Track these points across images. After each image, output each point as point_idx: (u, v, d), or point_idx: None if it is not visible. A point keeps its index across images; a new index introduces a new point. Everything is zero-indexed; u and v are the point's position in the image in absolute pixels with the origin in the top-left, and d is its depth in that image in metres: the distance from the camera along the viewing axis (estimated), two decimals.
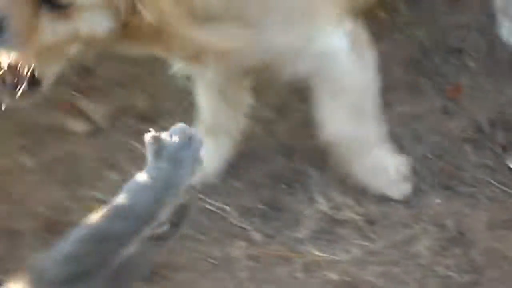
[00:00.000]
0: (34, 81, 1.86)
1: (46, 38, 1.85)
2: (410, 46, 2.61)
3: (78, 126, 2.38)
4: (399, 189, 2.24)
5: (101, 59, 2.37)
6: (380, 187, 2.24)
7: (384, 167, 2.25)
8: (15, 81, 1.83)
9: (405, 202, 2.22)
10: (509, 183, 2.22)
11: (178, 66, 2.17)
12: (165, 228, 1.59)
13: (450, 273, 2.00)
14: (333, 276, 2.01)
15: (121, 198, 1.47)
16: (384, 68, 2.32)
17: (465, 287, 2.00)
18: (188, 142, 1.54)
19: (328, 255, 2.06)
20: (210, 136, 2.31)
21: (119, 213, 1.48)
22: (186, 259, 2.08)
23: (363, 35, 2.19)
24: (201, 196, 2.20)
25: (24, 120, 2.39)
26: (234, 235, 2.14)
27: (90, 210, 1.55)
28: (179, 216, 1.63)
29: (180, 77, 2.28)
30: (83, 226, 1.44)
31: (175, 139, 1.53)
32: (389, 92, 2.36)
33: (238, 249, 2.10)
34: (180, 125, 1.54)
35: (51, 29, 1.85)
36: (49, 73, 1.94)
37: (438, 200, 2.19)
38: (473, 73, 2.55)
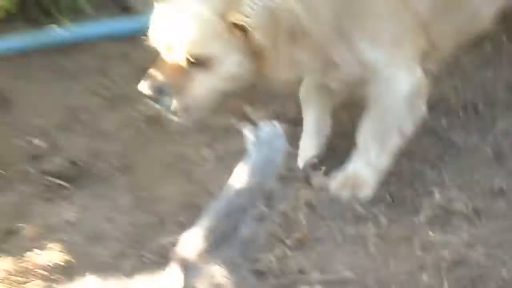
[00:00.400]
0: None
1: (199, 91, 2.09)
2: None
3: (240, 126, 2.42)
4: None
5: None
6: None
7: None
8: None
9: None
10: None
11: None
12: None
13: None
14: (446, 254, 2.03)
15: (235, 180, 1.69)
16: (490, 89, 2.47)
17: None
18: (280, 133, 1.71)
19: (441, 237, 2.09)
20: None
21: (238, 191, 1.67)
22: (325, 234, 2.14)
23: (425, 88, 2.21)
24: None
25: (205, 121, 2.44)
26: (365, 218, 2.18)
27: None
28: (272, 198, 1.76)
29: None
30: (215, 203, 1.70)
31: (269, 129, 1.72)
32: (493, 108, 2.44)
33: (368, 229, 2.13)
34: (273, 122, 1.73)
35: (200, 83, 2.08)
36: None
37: None
38: None
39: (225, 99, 2.20)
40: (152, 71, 2.08)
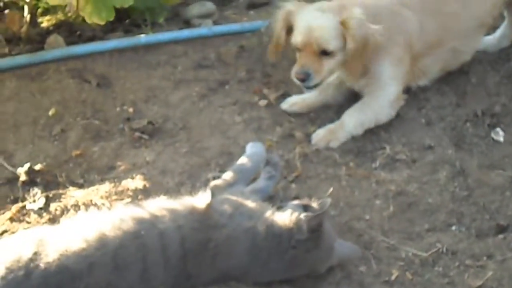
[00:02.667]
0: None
1: (326, 70, 2.13)
2: None
3: (261, 102, 2.42)
4: None
5: (276, 69, 2.56)
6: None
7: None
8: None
9: None
10: None
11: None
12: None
13: None
14: (392, 187, 2.01)
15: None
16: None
17: None
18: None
19: (389, 176, 2.06)
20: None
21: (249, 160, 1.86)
22: (313, 173, 2.10)
23: (401, 103, 2.24)
24: None
25: (236, 96, 2.47)
26: (340, 163, 2.13)
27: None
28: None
29: None
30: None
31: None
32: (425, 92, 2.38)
33: (341, 170, 2.10)
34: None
35: (327, 65, 2.11)
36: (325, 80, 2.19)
37: None
38: None
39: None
40: (300, 62, 2.13)
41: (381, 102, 2.23)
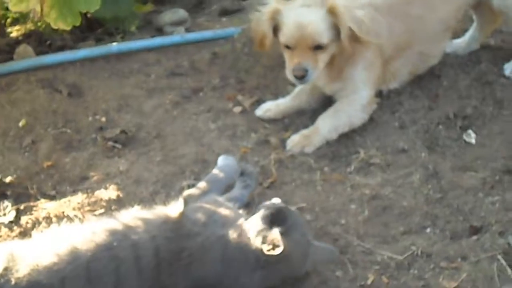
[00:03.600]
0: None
1: (321, 64, 2.12)
2: None
3: (236, 109, 2.42)
4: None
5: (250, 75, 2.56)
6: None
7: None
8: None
9: None
10: None
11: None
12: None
13: None
14: (367, 191, 1.99)
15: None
16: None
17: None
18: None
19: (364, 180, 2.05)
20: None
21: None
22: (289, 179, 2.09)
23: (374, 106, 2.26)
24: None
25: (210, 103, 2.45)
26: (315, 168, 2.12)
27: None
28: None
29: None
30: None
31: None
32: (399, 95, 2.39)
33: (316, 175, 2.10)
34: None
35: (321, 60, 2.11)
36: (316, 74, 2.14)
37: None
38: None
39: None
40: (296, 59, 2.10)
41: (354, 106, 2.23)
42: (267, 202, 1.72)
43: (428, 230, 1.89)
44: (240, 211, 1.74)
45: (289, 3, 2.15)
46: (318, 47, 2.10)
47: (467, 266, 1.73)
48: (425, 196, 1.99)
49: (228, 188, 1.90)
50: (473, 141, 2.19)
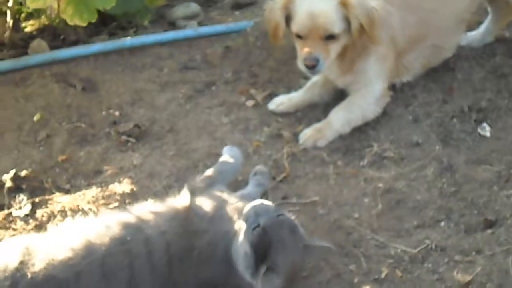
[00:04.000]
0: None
1: (332, 54, 2.12)
2: None
3: (248, 102, 2.41)
4: None
5: (262, 69, 2.55)
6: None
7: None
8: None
9: None
10: None
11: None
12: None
13: None
14: (380, 185, 2.00)
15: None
16: None
17: None
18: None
19: (378, 174, 2.06)
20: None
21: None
22: (302, 173, 2.10)
23: (387, 99, 2.25)
24: None
25: (223, 97, 2.46)
26: (328, 162, 2.12)
27: None
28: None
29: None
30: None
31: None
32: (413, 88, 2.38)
33: (329, 169, 2.10)
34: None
35: (333, 50, 2.11)
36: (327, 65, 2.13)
37: None
38: None
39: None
40: (308, 48, 2.09)
41: (367, 100, 2.23)
42: (246, 213, 1.59)
43: (442, 223, 1.88)
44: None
45: None
46: (330, 37, 2.09)
47: (481, 259, 1.73)
48: (439, 190, 1.98)
49: (234, 176, 1.94)
50: (488, 134, 2.18)
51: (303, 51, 2.10)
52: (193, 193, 1.71)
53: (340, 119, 2.21)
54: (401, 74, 2.33)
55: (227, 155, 1.95)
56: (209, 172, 1.85)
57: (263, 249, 1.50)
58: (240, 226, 1.57)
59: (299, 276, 1.68)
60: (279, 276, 1.53)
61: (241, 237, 1.55)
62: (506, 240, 1.76)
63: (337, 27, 2.09)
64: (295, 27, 2.11)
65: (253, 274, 1.51)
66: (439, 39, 2.34)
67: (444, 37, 2.36)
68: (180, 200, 1.73)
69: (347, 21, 2.10)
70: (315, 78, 2.34)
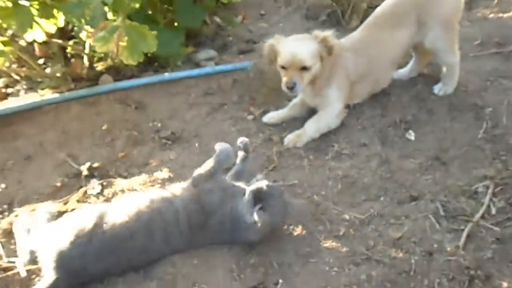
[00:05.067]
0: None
1: (306, 81, 2.07)
2: None
3: (249, 117, 2.35)
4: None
5: (259, 94, 2.49)
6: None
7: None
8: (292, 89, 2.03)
9: None
10: None
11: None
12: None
13: None
14: (340, 172, 1.95)
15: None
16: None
17: None
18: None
19: (338, 165, 2.00)
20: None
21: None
22: (286, 164, 2.05)
23: (344, 115, 2.21)
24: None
25: (232, 113, 2.39)
26: (303, 157, 2.08)
27: None
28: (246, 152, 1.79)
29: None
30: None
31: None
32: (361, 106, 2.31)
33: (305, 162, 2.06)
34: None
35: (306, 77, 2.07)
36: (302, 88, 2.06)
37: None
38: None
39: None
40: (288, 76, 2.04)
41: (331, 115, 2.21)
42: (255, 181, 1.67)
43: (382, 198, 1.88)
44: (242, 184, 1.67)
45: (284, 38, 2.14)
46: (304, 68, 2.08)
47: (408, 222, 1.73)
48: (379, 175, 1.97)
49: (228, 164, 1.83)
50: (412, 138, 2.17)
51: (285, 77, 2.09)
52: (196, 182, 1.64)
53: (312, 128, 2.20)
54: (353, 98, 2.31)
55: (220, 149, 1.78)
56: (210, 163, 1.70)
57: (259, 199, 1.54)
58: (248, 190, 1.58)
59: (281, 220, 1.65)
60: (266, 215, 1.54)
61: (247, 195, 1.57)
62: (424, 209, 1.77)
63: (309, 62, 2.08)
64: (280, 61, 2.10)
65: (251, 213, 1.52)
66: (379, 75, 2.33)
67: (383, 73, 2.35)
68: (187, 184, 1.68)
69: (317, 57, 2.08)
70: (295, 100, 2.32)
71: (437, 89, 2.33)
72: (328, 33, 2.10)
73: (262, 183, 1.58)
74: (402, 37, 2.22)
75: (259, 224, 1.53)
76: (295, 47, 2.08)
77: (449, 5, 2.15)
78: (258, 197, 1.55)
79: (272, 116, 2.34)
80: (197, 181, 1.64)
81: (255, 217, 1.51)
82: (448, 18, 2.11)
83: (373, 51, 2.25)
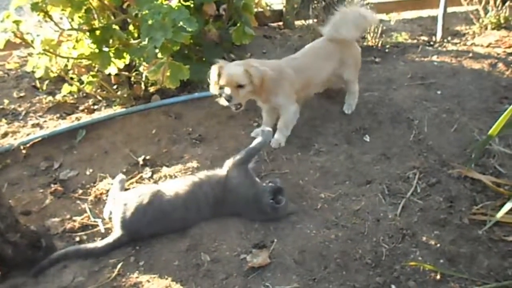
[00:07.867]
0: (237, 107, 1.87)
1: (241, 96, 1.89)
2: None
3: (254, 124, 2.27)
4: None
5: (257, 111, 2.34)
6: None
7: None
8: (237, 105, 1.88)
9: None
10: None
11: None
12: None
13: None
14: (318, 165, 1.93)
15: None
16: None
17: None
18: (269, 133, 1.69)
19: (317, 159, 1.99)
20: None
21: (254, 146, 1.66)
22: (278, 160, 2.03)
23: (298, 112, 2.08)
24: None
25: (242, 121, 2.36)
26: (292, 153, 2.05)
27: None
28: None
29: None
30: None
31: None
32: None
33: (294, 157, 2.04)
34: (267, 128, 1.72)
35: (241, 93, 1.89)
36: (237, 101, 1.88)
37: None
38: None
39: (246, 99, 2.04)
40: (225, 91, 1.96)
41: (290, 115, 2.06)
42: (274, 181, 1.64)
43: (347, 182, 1.86)
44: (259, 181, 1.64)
45: (227, 62, 2.05)
46: (239, 86, 1.88)
47: (364, 199, 1.74)
48: (346, 167, 1.95)
49: (257, 155, 1.77)
50: (368, 140, 2.16)
51: (225, 92, 1.91)
52: (229, 167, 1.62)
53: (283, 129, 2.06)
54: (299, 101, 2.20)
55: (261, 140, 1.68)
56: (241, 154, 1.65)
57: (275, 192, 1.57)
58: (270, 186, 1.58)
59: (284, 210, 1.62)
60: (283, 199, 1.56)
61: (269, 189, 1.57)
62: (375, 189, 1.76)
63: (242, 81, 1.88)
64: (221, 80, 2.02)
65: (268, 201, 1.53)
66: (316, 87, 2.29)
67: (318, 87, 2.31)
68: (222, 171, 1.70)
69: (250, 78, 1.88)
70: (263, 110, 2.14)
71: (346, 109, 2.34)
72: (253, 66, 1.88)
73: (280, 185, 1.59)
74: (329, 67, 2.23)
75: (278, 209, 1.52)
76: (232, 69, 1.88)
77: (357, 53, 2.19)
78: (275, 192, 1.57)
79: (257, 132, 2.23)
80: (231, 165, 1.59)
81: (274, 204, 1.52)
82: (356, 61, 2.17)
83: (311, 72, 2.21)
